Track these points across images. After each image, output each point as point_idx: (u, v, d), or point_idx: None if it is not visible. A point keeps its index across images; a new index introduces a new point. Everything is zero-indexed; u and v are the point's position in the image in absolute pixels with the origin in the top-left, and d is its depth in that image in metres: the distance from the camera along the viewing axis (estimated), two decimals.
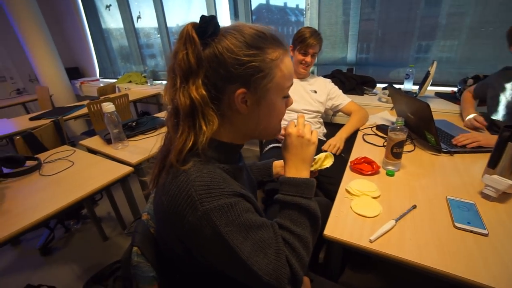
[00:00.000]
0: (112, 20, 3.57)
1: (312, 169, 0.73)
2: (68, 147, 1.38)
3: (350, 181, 0.86)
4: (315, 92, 1.46)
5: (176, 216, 0.44)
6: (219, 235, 0.43)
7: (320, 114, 1.50)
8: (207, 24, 0.46)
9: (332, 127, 1.60)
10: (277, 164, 0.84)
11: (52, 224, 1.77)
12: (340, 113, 1.57)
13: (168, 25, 3.10)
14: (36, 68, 3.36)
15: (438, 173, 0.92)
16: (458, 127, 1.28)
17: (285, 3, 2.38)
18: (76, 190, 0.97)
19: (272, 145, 1.35)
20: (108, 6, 3.47)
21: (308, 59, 1.37)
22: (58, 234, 1.77)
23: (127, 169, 1.10)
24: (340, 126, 1.38)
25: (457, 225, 0.66)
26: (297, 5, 2.30)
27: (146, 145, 1.33)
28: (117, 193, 1.46)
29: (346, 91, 1.76)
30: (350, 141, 1.28)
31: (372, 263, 1.31)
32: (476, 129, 1.23)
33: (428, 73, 1.54)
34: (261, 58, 0.48)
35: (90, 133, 2.35)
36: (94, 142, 1.42)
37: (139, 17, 3.30)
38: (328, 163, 0.73)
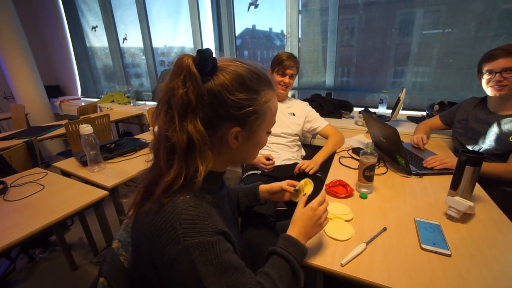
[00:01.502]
0: (98, 41, 3.59)
1: (296, 200, 0.77)
2: (40, 169, 1.32)
3: None
4: (294, 114, 1.51)
5: (157, 245, 0.44)
6: (195, 272, 0.42)
7: (298, 137, 1.55)
8: (206, 60, 0.47)
9: (311, 149, 1.65)
10: (263, 188, 0.86)
11: (14, 253, 1.63)
12: (319, 136, 1.63)
13: (154, 45, 3.16)
14: (12, 85, 3.26)
15: (408, 195, 0.96)
16: (427, 149, 1.36)
17: (270, 28, 2.52)
18: (44, 216, 0.92)
19: (251, 172, 1.37)
20: (94, 27, 3.51)
21: (286, 79, 1.44)
22: (20, 265, 1.62)
23: (102, 193, 1.07)
24: (319, 148, 1.43)
25: (423, 246, 0.68)
26: (282, 31, 2.43)
27: (124, 168, 1.30)
28: (90, 218, 1.39)
29: (325, 114, 1.85)
30: (327, 162, 1.32)
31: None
32: (418, 147, 1.36)
33: (398, 99, 1.65)
34: (258, 101, 0.52)
35: (67, 154, 2.27)
36: (69, 164, 1.38)
37: (125, 39, 3.36)
38: (309, 190, 0.77)
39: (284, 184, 0.84)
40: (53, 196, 1.07)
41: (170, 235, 0.43)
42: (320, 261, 0.66)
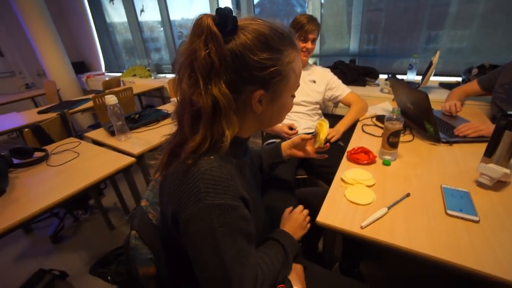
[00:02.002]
0: (116, 14, 3.59)
1: (317, 146, 0.80)
2: (74, 139, 1.42)
3: (346, 171, 0.87)
4: (314, 82, 1.45)
5: (180, 202, 0.46)
6: (212, 232, 0.44)
7: (319, 105, 1.49)
8: (226, 18, 0.44)
9: (333, 119, 1.60)
10: (285, 145, 0.87)
11: (61, 214, 1.84)
12: (341, 104, 1.57)
13: (171, 18, 3.10)
14: (43, 63, 3.43)
15: (435, 163, 0.92)
16: (460, 117, 1.26)
17: None
18: (82, 179, 1.01)
19: (271, 140, 1.37)
20: (111, 0, 3.49)
21: (309, 45, 1.35)
22: (68, 224, 1.84)
23: (130, 159, 1.14)
24: (341, 118, 1.38)
25: (449, 212, 0.66)
26: None
27: (148, 137, 1.36)
28: (122, 184, 1.50)
29: (348, 82, 1.75)
30: (349, 131, 1.28)
31: (373, 254, 1.33)
32: (450, 114, 1.27)
33: (430, 63, 1.51)
34: (281, 61, 0.49)
35: (96, 126, 2.40)
36: (99, 134, 1.46)
37: (142, 11, 3.31)
38: (326, 129, 0.78)
39: (302, 135, 0.86)
40: (87, 162, 1.16)
41: (193, 193, 0.45)
42: (340, 223, 0.67)
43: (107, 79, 3.05)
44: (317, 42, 1.41)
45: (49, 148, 1.31)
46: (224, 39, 0.45)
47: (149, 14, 3.27)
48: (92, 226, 1.82)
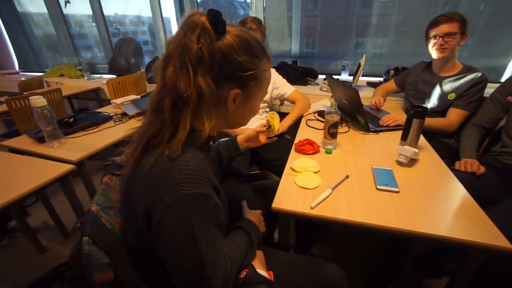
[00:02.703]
0: (31, 3, 3.08)
1: (271, 135, 0.88)
2: None
3: (294, 161, 0.96)
4: None
5: (155, 194, 0.45)
6: (189, 221, 0.45)
7: (267, 104, 1.58)
8: (217, 19, 0.48)
9: (280, 115, 1.70)
10: (241, 138, 0.91)
11: None
12: (287, 102, 1.68)
13: (105, 13, 2.83)
14: None
15: (367, 149, 1.08)
16: (383, 110, 1.50)
17: None
18: None
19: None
20: None
21: None
22: None
23: (67, 166, 1.01)
24: (286, 114, 1.49)
25: (378, 187, 0.80)
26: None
27: (90, 141, 1.23)
28: (55, 198, 1.31)
29: (292, 81, 1.89)
30: (295, 126, 1.40)
31: (322, 233, 1.48)
32: (376, 108, 1.51)
33: (359, 65, 1.75)
34: (259, 68, 0.54)
35: (13, 135, 2.03)
36: (21, 141, 1.25)
37: (68, 2, 2.93)
38: (277, 122, 0.86)
39: (257, 127, 0.91)
40: (4, 176, 0.96)
41: (169, 184, 0.45)
42: (292, 206, 0.74)
43: (23, 79, 2.60)
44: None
45: None
46: (216, 37, 0.48)
47: (77, 7, 2.92)
48: (15, 253, 1.52)
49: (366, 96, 1.72)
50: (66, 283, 0.75)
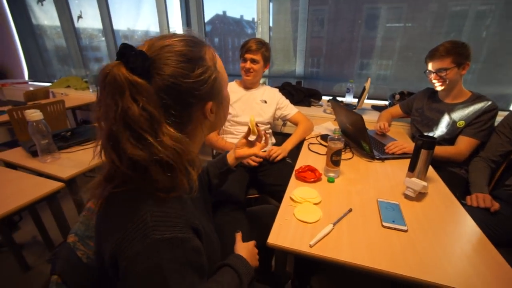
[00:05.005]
0: (46, 17, 3.19)
1: (253, 137, 0.82)
2: None
3: (294, 189, 0.90)
4: (265, 102, 1.51)
5: (123, 239, 0.40)
6: (160, 270, 0.39)
7: (270, 125, 1.55)
8: (136, 57, 0.40)
9: (282, 137, 1.67)
10: (230, 156, 0.84)
11: None
12: (289, 123, 1.65)
13: (115, 27, 2.90)
14: None
15: (371, 178, 1.02)
16: (388, 136, 1.45)
17: (241, 16, 2.45)
18: None
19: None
20: (40, 1, 3.10)
21: (247, 65, 1.39)
22: None
23: (56, 184, 0.97)
24: (289, 135, 1.45)
25: (384, 224, 0.73)
26: (253, 18, 2.38)
27: (83, 158, 1.19)
28: (44, 213, 1.26)
29: (295, 102, 1.87)
30: (297, 149, 1.35)
31: (320, 269, 1.38)
32: (381, 133, 1.45)
33: (364, 88, 1.73)
34: (209, 66, 0.48)
35: (12, 144, 2.02)
36: (15, 155, 1.23)
37: (80, 17, 3.02)
38: (253, 125, 0.79)
39: (242, 137, 0.84)
40: None
41: (139, 228, 0.40)
42: (290, 243, 0.68)
43: (31, 88, 2.63)
44: (264, 63, 1.46)
45: None
46: (148, 81, 0.41)
47: (89, 21, 3.00)
48: None
49: (371, 120, 1.68)
50: None
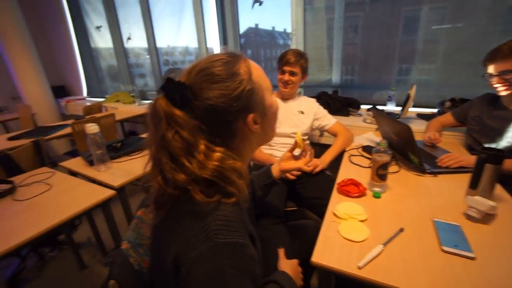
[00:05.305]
0: (102, 40, 3.60)
1: (299, 150, 0.81)
2: (47, 169, 1.32)
3: (337, 204, 0.86)
4: (302, 113, 1.48)
5: (187, 241, 0.42)
6: (221, 274, 0.40)
7: (307, 136, 1.52)
8: (176, 90, 0.45)
9: (319, 148, 1.62)
10: (275, 168, 0.85)
11: (24, 252, 1.64)
12: (327, 133, 1.60)
13: (158, 45, 3.16)
14: (19, 86, 3.29)
15: (423, 194, 0.93)
16: (439, 147, 1.32)
17: (273, 27, 2.50)
18: (52, 215, 0.91)
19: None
20: (98, 27, 3.51)
21: (286, 77, 1.38)
22: (31, 263, 1.64)
23: (109, 192, 1.06)
24: (327, 146, 1.40)
25: (444, 248, 0.65)
26: (285, 29, 2.42)
27: (130, 167, 1.29)
28: (98, 217, 1.38)
29: (332, 112, 1.81)
30: (336, 161, 1.29)
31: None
32: (431, 144, 1.32)
33: (408, 96, 1.61)
34: (244, 79, 0.49)
35: (73, 154, 2.27)
36: (76, 163, 1.37)
37: (129, 38, 3.36)
38: (299, 139, 0.79)
39: (287, 151, 0.85)
40: (61, 195, 1.06)
41: (202, 231, 0.41)
42: (336, 263, 0.64)
43: (88, 104, 2.96)
44: (302, 75, 1.44)
45: (17, 179, 1.20)
46: (187, 109, 0.45)
47: (136, 41, 3.32)
48: (60, 266, 1.63)
49: (417, 130, 1.54)
50: None
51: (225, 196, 0.45)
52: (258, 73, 0.53)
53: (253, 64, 0.53)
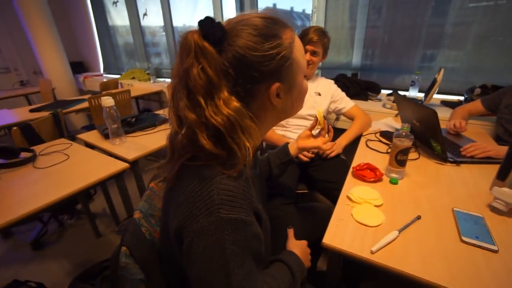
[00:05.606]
0: (119, 17, 3.58)
1: (316, 132, 0.82)
2: (65, 140, 1.36)
3: (352, 188, 0.83)
4: (319, 94, 1.43)
5: (189, 213, 0.41)
6: (222, 250, 0.39)
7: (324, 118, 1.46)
8: (212, 27, 0.42)
9: (335, 132, 1.56)
10: (292, 146, 0.83)
11: (45, 218, 1.74)
12: (343, 117, 1.54)
13: (174, 24, 3.10)
14: (40, 61, 3.37)
15: (444, 183, 0.88)
16: (465, 136, 1.24)
17: (291, 8, 2.38)
18: (70, 184, 0.94)
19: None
20: (115, 2, 3.48)
21: (307, 57, 1.31)
22: (51, 229, 1.75)
23: (123, 165, 1.07)
24: (342, 131, 1.35)
25: (465, 239, 0.62)
26: (304, 10, 2.30)
27: (144, 142, 1.30)
28: (112, 189, 1.43)
29: (350, 96, 1.72)
30: (352, 145, 1.25)
31: (371, 274, 1.28)
32: (455, 133, 1.26)
33: (434, 81, 1.51)
34: (283, 45, 0.46)
35: (90, 128, 2.33)
36: (92, 136, 1.40)
37: (145, 14, 3.31)
38: (320, 117, 0.78)
39: (306, 129, 0.83)
40: (78, 165, 1.09)
41: (205, 204, 0.40)
42: (348, 246, 0.62)
43: (105, 80, 3.00)
44: (324, 55, 1.37)
45: (38, 148, 1.24)
46: (218, 49, 0.42)
47: (152, 19, 3.27)
48: (78, 233, 1.73)
49: (441, 118, 1.43)
50: (106, 282, 0.76)
51: (228, 159, 0.43)
52: (299, 50, 0.50)
53: (298, 40, 0.50)
